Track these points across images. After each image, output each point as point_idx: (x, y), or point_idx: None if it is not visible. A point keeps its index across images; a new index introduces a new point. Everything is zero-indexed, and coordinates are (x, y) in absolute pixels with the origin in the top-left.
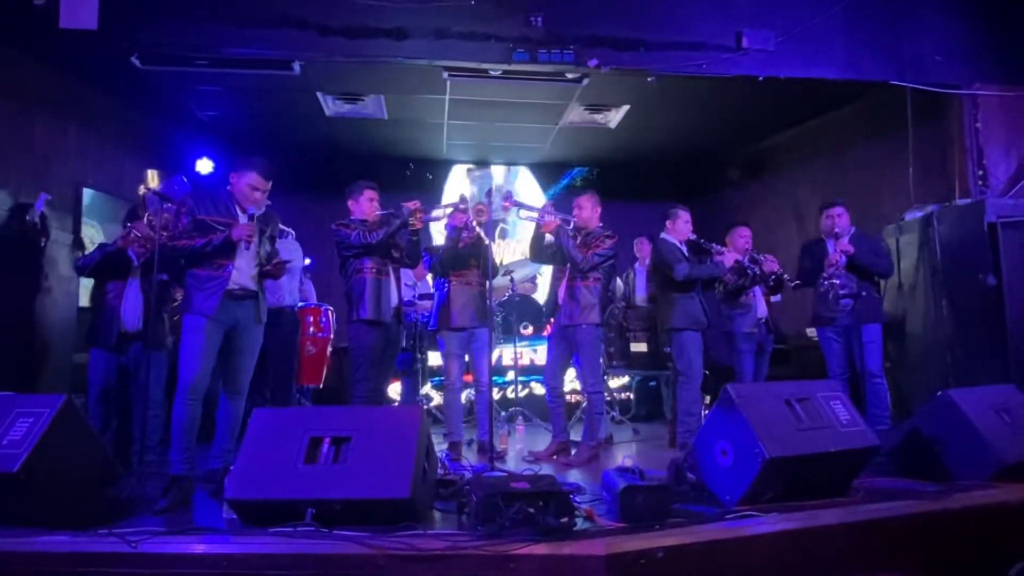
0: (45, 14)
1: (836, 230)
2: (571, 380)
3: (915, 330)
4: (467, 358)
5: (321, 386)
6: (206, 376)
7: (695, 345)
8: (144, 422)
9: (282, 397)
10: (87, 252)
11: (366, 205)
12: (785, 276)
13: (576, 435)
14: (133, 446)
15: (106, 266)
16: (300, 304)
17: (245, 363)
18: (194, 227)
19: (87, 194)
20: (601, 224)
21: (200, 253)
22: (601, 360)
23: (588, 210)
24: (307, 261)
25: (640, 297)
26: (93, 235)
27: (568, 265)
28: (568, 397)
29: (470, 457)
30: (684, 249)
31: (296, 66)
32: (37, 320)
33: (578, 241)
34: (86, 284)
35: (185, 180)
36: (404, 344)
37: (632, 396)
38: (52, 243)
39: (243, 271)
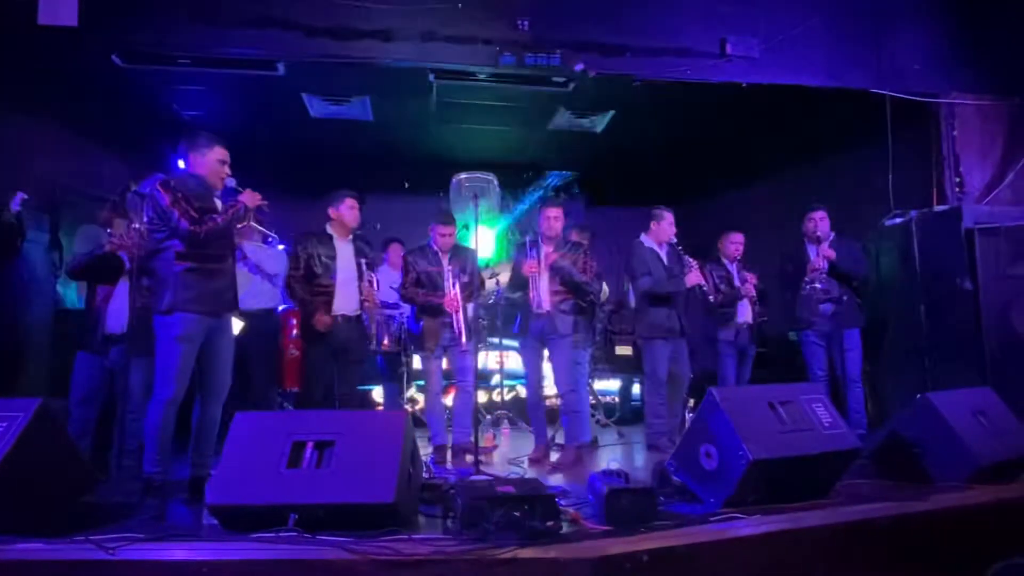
0: (23, 9)
1: (818, 233)
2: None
3: (893, 334)
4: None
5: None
6: (187, 386)
7: (661, 354)
8: (123, 426)
9: (264, 401)
10: (73, 255)
11: (347, 213)
12: (758, 313)
13: (560, 438)
14: (111, 450)
15: (97, 268)
16: (283, 307)
17: (224, 366)
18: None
19: None
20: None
21: (227, 228)
22: (587, 363)
23: (563, 220)
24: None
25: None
26: None
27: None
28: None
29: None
30: (664, 251)
31: (281, 66)
32: (12, 322)
33: (578, 265)
34: (63, 284)
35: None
36: (376, 347)
37: (617, 399)
38: (28, 243)
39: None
